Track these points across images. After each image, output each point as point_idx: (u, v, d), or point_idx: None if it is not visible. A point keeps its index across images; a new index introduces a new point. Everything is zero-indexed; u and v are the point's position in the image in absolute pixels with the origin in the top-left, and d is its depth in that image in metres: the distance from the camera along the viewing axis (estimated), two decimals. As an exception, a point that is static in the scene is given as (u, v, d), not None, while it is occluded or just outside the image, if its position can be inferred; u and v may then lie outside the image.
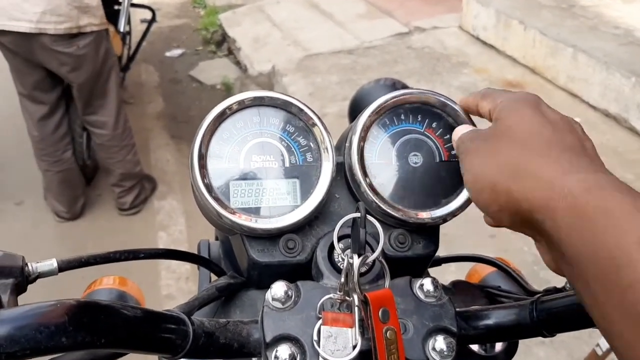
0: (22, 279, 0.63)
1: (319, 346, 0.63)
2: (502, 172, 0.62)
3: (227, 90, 5.67)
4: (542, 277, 2.83)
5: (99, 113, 3.65)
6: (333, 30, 6.04)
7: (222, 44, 6.86)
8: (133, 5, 4.99)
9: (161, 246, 3.79)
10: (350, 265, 0.65)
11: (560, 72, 4.56)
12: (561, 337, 2.62)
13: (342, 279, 0.66)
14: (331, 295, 0.67)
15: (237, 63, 6.21)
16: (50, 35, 3.13)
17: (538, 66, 4.78)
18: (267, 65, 5.46)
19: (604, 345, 2.22)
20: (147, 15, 5.33)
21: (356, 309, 0.65)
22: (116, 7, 4.55)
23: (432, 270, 1.02)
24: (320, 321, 0.65)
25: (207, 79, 6.01)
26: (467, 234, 3.15)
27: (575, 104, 4.37)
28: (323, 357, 0.63)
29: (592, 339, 2.49)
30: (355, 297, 0.65)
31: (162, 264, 3.55)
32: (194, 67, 6.35)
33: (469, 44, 5.44)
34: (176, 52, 6.82)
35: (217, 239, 1.14)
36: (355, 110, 1.04)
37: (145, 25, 5.33)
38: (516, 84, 4.69)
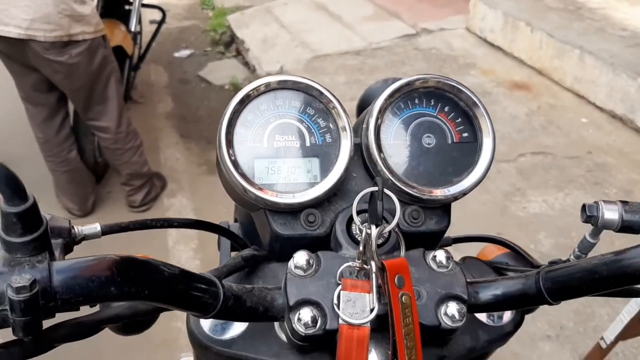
0: (69, 240, 0.68)
1: (338, 309, 0.68)
2: None
3: (236, 90, 5.70)
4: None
5: (100, 119, 3.66)
6: (341, 31, 6.09)
7: (230, 45, 6.91)
8: (144, 5, 5.05)
9: (170, 242, 3.86)
10: (369, 235, 0.70)
11: (567, 73, 4.60)
12: (566, 332, 2.66)
13: (361, 248, 0.71)
14: (350, 263, 0.72)
15: (246, 64, 6.26)
16: (41, 43, 3.12)
17: (545, 67, 4.82)
18: (275, 66, 5.52)
19: (608, 338, 2.25)
20: (157, 16, 5.38)
21: (373, 275, 0.69)
22: (127, 7, 4.61)
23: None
24: (340, 287, 0.70)
25: (215, 79, 6.06)
26: (474, 231, 3.19)
27: (582, 105, 4.41)
28: (343, 319, 0.67)
29: (597, 333, 2.53)
30: (373, 264, 0.70)
31: (171, 256, 3.60)
32: (203, 68, 6.40)
33: (476, 46, 5.48)
34: (185, 52, 6.86)
35: (235, 220, 1.19)
36: (362, 109, 1.09)
37: (154, 26, 5.38)
38: (523, 85, 4.74)
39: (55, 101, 3.65)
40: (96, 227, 0.73)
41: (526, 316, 0.90)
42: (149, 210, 4.15)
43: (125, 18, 4.56)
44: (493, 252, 1.07)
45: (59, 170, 3.85)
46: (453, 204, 0.85)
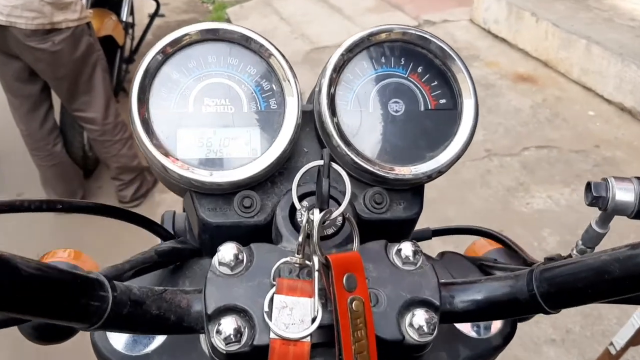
0: None
1: (270, 319, 0.52)
2: None
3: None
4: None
5: (85, 109, 3.52)
6: (341, 23, 5.93)
7: (229, 38, 6.77)
8: (137, -5, 4.93)
9: (159, 240, 3.70)
10: (310, 221, 0.54)
11: (573, 64, 4.42)
12: (572, 336, 2.50)
13: (300, 239, 0.55)
14: (288, 259, 0.56)
15: (244, 57, 6.12)
16: (22, 30, 3.01)
17: (550, 59, 4.64)
18: (273, 58, 5.37)
19: (618, 344, 2.09)
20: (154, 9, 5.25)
21: (316, 274, 0.53)
22: (119, -4, 4.48)
23: (423, 245, 0.91)
24: (273, 289, 0.54)
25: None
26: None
27: (589, 98, 4.23)
28: (275, 332, 0.52)
29: (606, 337, 2.37)
30: (316, 260, 0.54)
31: (155, 242, 3.44)
32: (201, 61, 6.26)
33: (480, 37, 5.31)
34: (183, 46, 6.72)
35: (184, 210, 1.03)
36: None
37: (149, 18, 5.25)
38: (528, 77, 4.57)
39: (38, 92, 3.51)
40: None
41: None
42: (139, 205, 4.01)
43: (117, 8, 4.44)
44: (483, 248, 0.90)
45: (45, 164, 3.72)
46: (439, 192, 0.69)
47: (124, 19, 4.43)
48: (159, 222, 0.95)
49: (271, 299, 0.53)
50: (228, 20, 6.82)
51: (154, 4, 5.25)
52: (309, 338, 0.52)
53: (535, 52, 4.81)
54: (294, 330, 0.52)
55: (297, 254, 0.55)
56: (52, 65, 3.25)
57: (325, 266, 0.54)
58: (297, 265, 0.56)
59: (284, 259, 0.56)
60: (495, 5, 5.20)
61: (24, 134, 3.64)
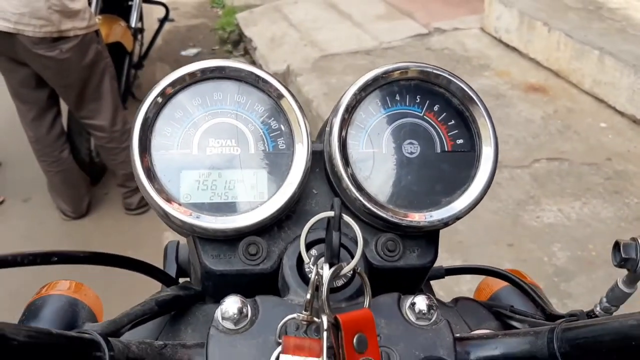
0: None
1: None
2: None
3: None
4: (562, 289, 2.66)
5: (94, 117, 3.52)
6: (351, 30, 5.90)
7: (238, 43, 6.77)
8: (148, 1, 4.90)
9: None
10: (320, 276, 0.51)
11: (585, 75, 4.37)
12: None
13: (309, 295, 0.52)
14: (295, 315, 0.53)
15: (253, 63, 6.09)
16: (30, 37, 3.01)
17: (562, 69, 4.60)
18: (282, 65, 5.34)
19: None
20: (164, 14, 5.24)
21: (324, 333, 0.50)
22: (129, 2, 4.46)
23: (435, 284, 0.87)
24: (279, 348, 0.51)
25: (222, 78, 5.89)
26: (483, 242, 2.99)
27: (601, 109, 4.18)
28: None
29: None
30: (325, 318, 0.51)
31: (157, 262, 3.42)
32: (210, 67, 6.25)
33: (491, 46, 5.27)
34: (192, 51, 6.73)
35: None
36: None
37: (159, 24, 5.24)
38: (539, 87, 4.52)
39: (45, 99, 3.51)
40: None
41: None
42: (145, 213, 3.99)
43: (126, 14, 4.42)
44: (496, 284, 0.87)
45: (52, 170, 3.72)
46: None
47: (133, 25, 4.42)
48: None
49: (277, 359, 0.50)
50: (237, 26, 6.81)
51: (164, 9, 5.24)
52: (317, 402, 0.49)
53: (546, 62, 4.76)
54: None
55: (305, 310, 0.52)
56: (59, 73, 3.24)
57: (335, 325, 0.51)
58: (305, 322, 0.53)
59: (290, 316, 0.53)
60: (507, 14, 5.16)
61: (31, 140, 3.64)
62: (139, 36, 4.81)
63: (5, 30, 2.97)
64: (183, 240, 0.98)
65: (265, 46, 5.97)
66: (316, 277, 0.52)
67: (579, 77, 4.44)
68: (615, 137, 3.90)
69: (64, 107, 3.69)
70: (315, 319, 0.52)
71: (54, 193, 3.88)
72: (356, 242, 0.58)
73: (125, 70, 4.45)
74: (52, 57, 3.12)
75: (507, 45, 5.20)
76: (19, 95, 3.46)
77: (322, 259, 0.55)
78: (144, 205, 3.96)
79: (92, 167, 4.03)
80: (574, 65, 4.48)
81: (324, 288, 0.51)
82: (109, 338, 0.49)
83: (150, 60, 5.31)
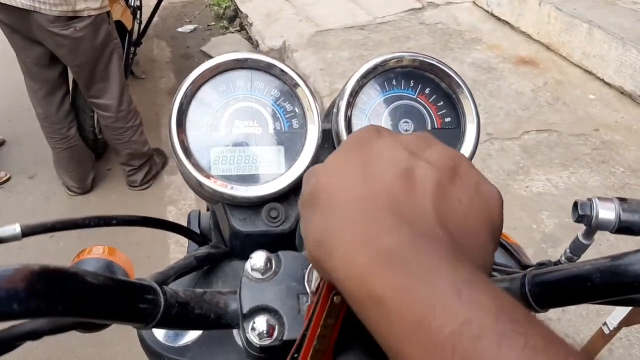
0: None
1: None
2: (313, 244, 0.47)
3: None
4: (550, 254, 2.79)
5: (101, 96, 3.62)
6: (346, 5, 5.96)
7: (234, 19, 6.80)
8: (144, -22, 4.95)
9: (171, 220, 3.78)
10: None
11: (575, 48, 4.47)
12: (567, 315, 2.59)
13: None
14: None
15: (249, 39, 6.16)
16: (45, 15, 3.09)
17: (553, 42, 4.69)
18: (278, 41, 5.41)
19: (611, 324, 2.18)
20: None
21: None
22: (127, -20, 4.51)
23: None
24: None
25: (218, 54, 5.88)
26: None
27: (590, 81, 4.29)
28: None
29: (600, 317, 2.46)
30: None
31: (171, 238, 3.53)
32: (206, 43, 6.31)
33: (483, 20, 5.35)
34: (188, 27, 6.77)
35: (208, 209, 1.12)
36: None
37: (156, 1, 5.28)
38: (529, 60, 4.62)
39: (56, 77, 3.61)
40: (15, 228, 0.64)
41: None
42: (149, 188, 4.10)
43: (124, -8, 4.47)
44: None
45: (60, 147, 3.81)
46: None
47: (132, 4, 4.48)
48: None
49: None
50: (233, 2, 6.84)
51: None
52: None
53: (537, 35, 4.86)
54: None
55: None
56: (72, 52, 3.33)
57: None
58: None
59: None
60: (499, -12, 5.24)
61: (40, 117, 3.72)
62: (138, 14, 4.86)
63: (22, 7, 3.06)
64: (203, 210, 1.10)
65: (261, 22, 6.02)
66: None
67: (569, 49, 4.54)
68: (603, 108, 4.01)
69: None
70: None
71: (60, 169, 3.98)
72: None
73: (125, 48, 4.51)
74: (67, 36, 3.22)
75: (498, 19, 5.29)
76: (31, 72, 3.55)
77: None
78: (148, 181, 4.07)
79: (96, 143, 4.13)
80: (563, 38, 4.58)
81: None
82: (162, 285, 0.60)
83: (146, 37, 5.37)
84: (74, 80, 3.72)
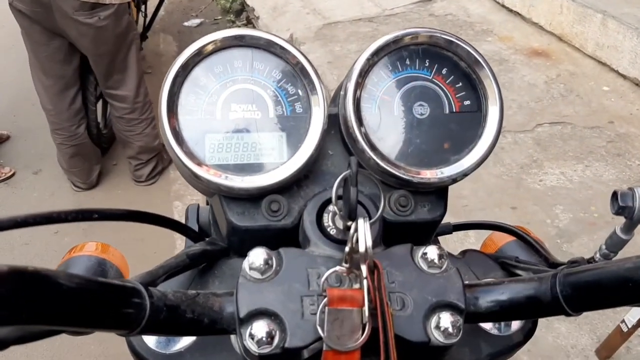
0: None
1: (323, 331, 0.53)
2: None
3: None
4: (565, 249, 2.71)
5: (119, 87, 3.59)
6: (354, -3, 5.89)
7: (241, 13, 6.75)
8: (149, -28, 4.88)
9: (176, 216, 3.74)
10: (356, 229, 0.55)
11: (588, 39, 4.38)
12: (584, 312, 2.52)
13: (348, 248, 0.55)
14: (337, 268, 0.57)
15: (256, 32, 6.08)
16: (70, 3, 3.07)
17: (565, 33, 4.60)
18: (285, 34, 5.33)
19: (630, 322, 2.11)
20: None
21: (365, 282, 0.54)
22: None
23: (442, 239, 0.92)
24: (325, 300, 0.55)
25: (225, 48, 5.89)
26: (487, 205, 3.04)
27: (604, 73, 4.20)
28: (329, 346, 0.53)
29: (617, 314, 2.38)
30: (364, 268, 0.54)
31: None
32: (212, 37, 6.24)
33: (494, 11, 5.26)
34: (194, 21, 6.72)
35: (207, 203, 1.05)
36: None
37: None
38: (542, 52, 4.53)
39: (70, 74, 3.57)
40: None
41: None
42: (154, 183, 4.04)
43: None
44: (501, 239, 0.91)
45: (66, 144, 3.76)
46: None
47: (137, -4, 4.42)
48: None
49: (323, 311, 0.54)
50: (239, -5, 6.78)
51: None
52: (359, 347, 0.53)
53: (549, 26, 4.76)
54: (346, 341, 0.53)
55: (345, 262, 0.56)
56: (95, 41, 3.30)
57: (371, 272, 0.54)
58: (345, 274, 0.57)
59: (332, 270, 0.57)
60: (509, -22, 5.15)
61: (50, 114, 3.67)
62: (142, 7, 4.81)
63: None
64: (202, 204, 1.03)
65: (267, 15, 5.95)
66: (357, 229, 0.55)
67: (582, 40, 4.45)
68: (617, 100, 3.92)
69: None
70: (355, 270, 0.56)
71: (65, 165, 3.93)
72: (370, 199, 0.62)
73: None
74: (91, 24, 3.20)
75: (509, 10, 5.19)
76: (44, 69, 3.50)
77: (341, 213, 0.59)
78: (154, 176, 4.02)
79: (100, 138, 4.07)
80: (576, 29, 4.48)
81: (366, 239, 0.54)
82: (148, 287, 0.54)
83: (153, 31, 5.32)
84: (81, 76, 3.67)
